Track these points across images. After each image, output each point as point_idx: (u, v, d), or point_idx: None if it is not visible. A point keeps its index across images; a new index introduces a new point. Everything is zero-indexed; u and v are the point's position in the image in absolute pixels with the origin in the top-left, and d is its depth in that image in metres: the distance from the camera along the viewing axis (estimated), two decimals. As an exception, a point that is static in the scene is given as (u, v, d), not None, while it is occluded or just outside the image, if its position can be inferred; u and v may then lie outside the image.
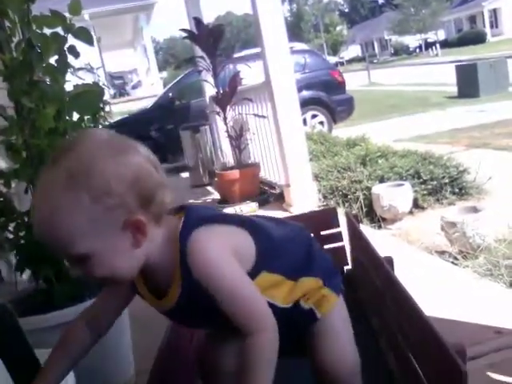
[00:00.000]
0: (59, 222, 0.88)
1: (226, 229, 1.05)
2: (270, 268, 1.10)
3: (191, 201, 5.91)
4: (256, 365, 0.92)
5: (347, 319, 1.21)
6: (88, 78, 5.21)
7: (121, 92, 17.97)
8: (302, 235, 1.26)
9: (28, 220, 2.16)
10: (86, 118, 4.61)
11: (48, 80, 1.96)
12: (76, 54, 2.03)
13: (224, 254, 0.99)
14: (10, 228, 2.18)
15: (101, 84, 4.96)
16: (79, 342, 1.09)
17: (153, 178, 0.94)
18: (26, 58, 1.76)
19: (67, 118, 2.28)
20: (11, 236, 2.15)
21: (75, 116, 2.62)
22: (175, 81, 9.54)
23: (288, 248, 1.16)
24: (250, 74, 5.72)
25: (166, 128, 8.49)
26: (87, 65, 5.28)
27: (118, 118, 8.77)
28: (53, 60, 2.06)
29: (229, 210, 4.87)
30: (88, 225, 0.88)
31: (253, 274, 1.06)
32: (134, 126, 8.51)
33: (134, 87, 19.23)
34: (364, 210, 4.48)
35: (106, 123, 5.11)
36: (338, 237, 2.08)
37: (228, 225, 1.07)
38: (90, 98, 2.13)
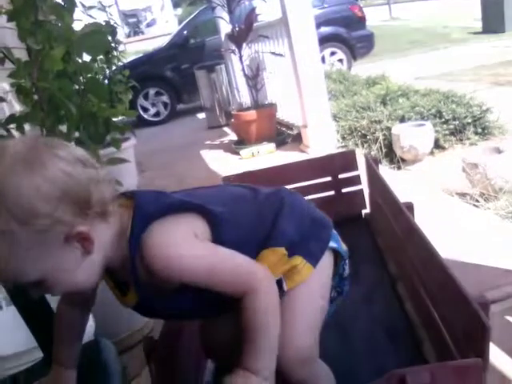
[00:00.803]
0: (5, 265, 0.80)
1: (180, 219, 0.93)
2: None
3: (208, 142, 5.87)
4: (263, 323, 0.88)
5: (318, 296, 1.05)
6: (100, 17, 5.08)
7: (135, 31, 17.59)
8: (270, 203, 1.09)
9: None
10: (98, 58, 4.52)
11: (54, 20, 1.88)
12: (83, -9, 1.94)
13: (185, 244, 0.90)
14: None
15: (113, 23, 4.84)
16: (72, 324, 1.07)
17: (82, 180, 0.84)
18: (30, -3, 1.68)
19: (77, 59, 2.21)
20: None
21: (87, 57, 2.54)
22: (189, 18, 9.27)
23: (247, 224, 1.03)
24: (266, 10, 5.51)
25: (181, 67, 8.33)
26: (99, 3, 5.13)
27: (133, 57, 8.61)
28: (59, -2, 1.97)
29: (246, 151, 4.82)
30: (27, 252, 0.80)
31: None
32: (149, 66, 8.38)
33: (148, 25, 18.80)
34: (383, 150, 4.38)
35: (120, 63, 5.02)
36: (356, 180, 2.02)
37: (182, 213, 0.94)
38: (99, 38, 2.04)
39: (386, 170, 3.74)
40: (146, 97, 8.31)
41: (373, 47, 9.35)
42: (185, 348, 1.27)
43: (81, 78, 2.36)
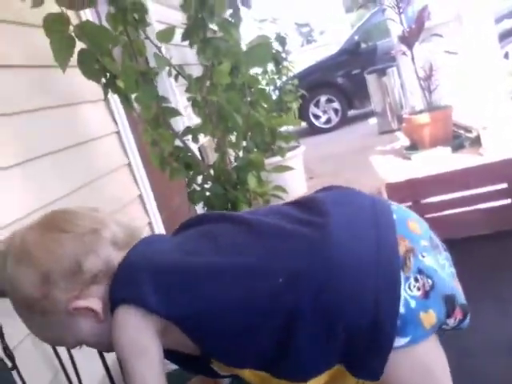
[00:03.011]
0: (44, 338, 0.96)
1: (146, 318, 0.83)
2: (218, 359, 0.86)
3: (379, 148, 5.73)
4: None
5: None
6: (272, 29, 5.28)
7: (308, 39, 17.96)
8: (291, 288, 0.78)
9: (214, 173, 2.28)
10: (269, 70, 4.70)
11: (222, 36, 1.99)
12: (248, 6, 2.03)
13: (136, 343, 0.82)
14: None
15: (283, 34, 5.00)
16: None
17: (66, 257, 0.85)
18: (198, 16, 1.80)
19: (246, 71, 2.31)
20: (198, 188, 2.29)
21: (258, 70, 2.62)
22: (360, 23, 9.18)
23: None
24: (438, 7, 5.23)
25: (352, 73, 8.28)
26: (271, 16, 5.34)
27: (305, 66, 8.77)
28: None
29: (419, 156, 4.61)
30: (49, 328, 0.90)
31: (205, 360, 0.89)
32: (320, 74, 8.46)
33: (321, 33, 19.08)
34: None
35: (290, 73, 5.18)
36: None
37: (149, 313, 0.83)
38: (264, 51, 2.12)
39: None
40: (317, 104, 8.41)
41: None
42: None
43: (250, 89, 2.47)
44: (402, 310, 0.77)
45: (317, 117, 8.49)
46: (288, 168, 2.41)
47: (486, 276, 1.66)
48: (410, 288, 0.79)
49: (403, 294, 0.78)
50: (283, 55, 4.85)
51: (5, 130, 1.75)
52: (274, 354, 0.80)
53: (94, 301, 0.87)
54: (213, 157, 2.60)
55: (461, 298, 0.87)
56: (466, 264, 1.83)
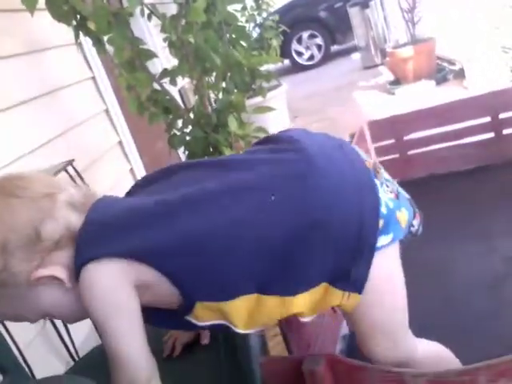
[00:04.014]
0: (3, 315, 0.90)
1: (120, 265, 0.79)
2: (204, 299, 0.81)
3: (363, 83, 5.66)
4: None
5: (392, 301, 0.88)
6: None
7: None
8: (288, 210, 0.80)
9: (194, 117, 2.23)
10: (249, 6, 4.53)
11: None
12: None
13: (111, 299, 0.79)
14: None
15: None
16: None
17: (22, 224, 0.79)
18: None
19: (221, 9, 2.22)
20: (178, 132, 2.24)
21: (238, 7, 2.53)
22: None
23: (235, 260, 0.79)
24: None
25: (334, 6, 8.05)
26: None
27: (287, 1, 8.51)
28: None
29: (402, 91, 4.57)
30: (12, 302, 0.83)
31: (187, 306, 0.82)
32: (301, 9, 8.22)
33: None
34: None
35: (270, 9, 5.01)
36: (521, 120, 1.80)
37: (122, 258, 0.79)
38: (239, -15, 2.02)
39: None
40: (299, 41, 8.22)
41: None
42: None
43: (228, 27, 2.38)
44: (384, 210, 0.83)
45: (299, 53, 8.31)
46: (270, 108, 2.36)
47: (468, 211, 1.67)
48: (385, 191, 0.86)
49: (382, 196, 0.84)
50: (262, -10, 4.67)
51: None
52: (266, 268, 0.79)
53: (57, 268, 0.80)
54: (194, 100, 2.54)
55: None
56: (448, 200, 1.84)
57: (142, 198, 0.89)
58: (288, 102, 4.71)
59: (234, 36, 2.42)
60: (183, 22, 1.99)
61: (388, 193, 0.86)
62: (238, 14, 4.42)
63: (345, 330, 1.34)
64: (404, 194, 0.93)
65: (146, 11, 1.97)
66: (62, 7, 1.70)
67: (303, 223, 0.79)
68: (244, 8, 4.32)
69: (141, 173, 2.80)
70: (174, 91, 3.12)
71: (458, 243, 1.51)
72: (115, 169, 2.59)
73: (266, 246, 0.79)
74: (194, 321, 0.85)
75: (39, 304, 0.84)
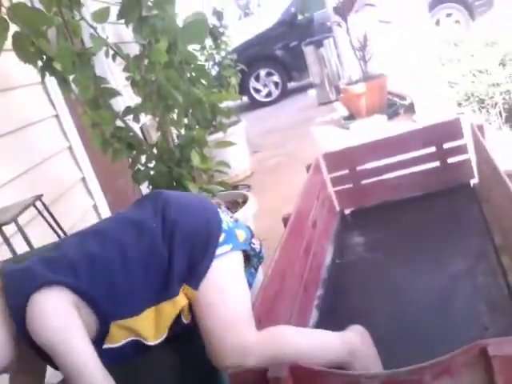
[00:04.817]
0: None
1: (59, 294, 0.92)
2: (117, 317, 0.96)
3: (319, 119, 5.85)
4: None
5: (229, 294, 1.05)
6: (209, 3, 5.22)
7: (245, 12, 17.83)
8: (158, 236, 1.03)
9: (157, 152, 2.30)
10: (208, 45, 4.66)
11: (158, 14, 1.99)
12: (181, -16, 2.03)
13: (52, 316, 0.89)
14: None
15: (219, 8, 4.97)
16: None
17: None
18: (132, -5, 1.80)
19: (181, 49, 2.31)
20: (142, 168, 2.30)
21: (197, 46, 2.61)
22: (296, -6, 9.21)
23: (131, 277, 0.98)
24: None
25: (290, 45, 8.33)
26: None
27: (244, 40, 8.75)
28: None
29: (356, 125, 4.76)
30: None
31: (103, 329, 0.95)
32: (259, 47, 8.47)
33: (258, 5, 18.99)
34: (503, 116, 4.10)
35: (229, 48, 5.17)
36: (462, 149, 1.94)
37: (54, 286, 0.92)
38: (200, 27, 2.13)
39: (505, 136, 3.51)
40: (257, 78, 8.44)
41: (493, 4, 8.66)
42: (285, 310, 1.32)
43: (188, 66, 2.47)
44: (225, 226, 1.08)
45: (257, 90, 8.52)
46: (230, 143, 2.45)
47: (418, 234, 1.78)
48: (225, 215, 1.13)
49: (223, 217, 1.11)
50: (220, 30, 4.84)
51: None
52: (157, 275, 0.99)
53: None
54: (155, 135, 2.62)
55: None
56: (401, 224, 1.95)
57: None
58: (248, 137, 4.84)
59: (194, 74, 2.52)
60: (146, 61, 2.08)
61: (228, 217, 1.13)
62: (198, 53, 4.56)
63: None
64: (243, 223, 1.18)
65: (111, 51, 2.04)
66: (29, 49, 1.76)
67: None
68: (203, 47, 4.46)
69: (104, 209, 2.83)
70: (136, 128, 3.19)
71: (410, 263, 1.62)
72: (79, 205, 2.62)
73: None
74: (109, 345, 0.96)
75: None
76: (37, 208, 1.59)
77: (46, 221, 1.75)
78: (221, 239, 1.05)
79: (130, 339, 0.97)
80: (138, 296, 0.97)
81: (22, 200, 1.59)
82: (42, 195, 1.62)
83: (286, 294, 1.36)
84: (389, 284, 1.55)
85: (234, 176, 4.35)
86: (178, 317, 1.02)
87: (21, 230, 1.36)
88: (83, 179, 2.72)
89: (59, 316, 0.88)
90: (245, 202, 2.34)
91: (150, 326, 0.97)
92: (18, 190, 1.92)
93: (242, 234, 1.11)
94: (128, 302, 0.96)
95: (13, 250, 1.48)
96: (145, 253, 1.00)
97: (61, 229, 1.89)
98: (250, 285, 1.14)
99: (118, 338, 0.96)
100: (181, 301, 1.00)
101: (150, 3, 1.95)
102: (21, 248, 1.55)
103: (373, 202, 2.11)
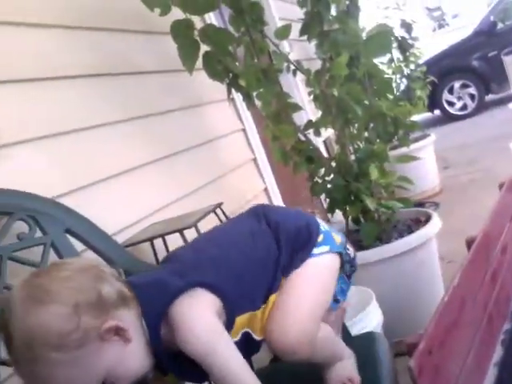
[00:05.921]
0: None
1: (205, 297, 0.94)
2: (239, 311, 0.99)
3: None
4: None
5: (319, 291, 1.07)
6: (397, 16, 5.13)
7: (440, 24, 17.10)
8: (268, 238, 1.08)
9: (335, 165, 2.29)
10: (396, 58, 4.57)
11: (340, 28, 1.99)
12: (365, -5, 2.01)
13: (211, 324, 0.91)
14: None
15: (410, 20, 4.83)
16: None
17: (85, 285, 0.89)
18: (314, 11, 1.82)
19: (364, 62, 2.28)
20: (320, 181, 2.31)
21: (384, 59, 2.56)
22: (496, 1, 8.54)
23: (251, 275, 1.03)
24: None
25: (488, 55, 7.74)
26: (395, 2, 5.18)
27: (437, 52, 8.37)
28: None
29: None
30: (75, 369, 0.86)
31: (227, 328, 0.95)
32: (453, 59, 8.04)
33: (453, 16, 18.07)
34: None
35: (419, 61, 4.98)
36: None
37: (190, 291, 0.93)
38: (382, 40, 2.08)
39: None
40: (450, 91, 8.00)
41: None
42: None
43: (371, 79, 2.43)
44: (322, 228, 1.11)
45: (451, 104, 8.08)
46: (413, 158, 2.34)
47: None
48: (321, 221, 1.16)
49: (320, 222, 1.14)
50: (410, 42, 4.67)
51: (139, 131, 1.92)
52: (274, 274, 1.04)
53: (122, 323, 0.90)
54: (336, 149, 2.62)
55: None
56: None
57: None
58: (438, 153, 4.60)
59: (378, 88, 2.46)
60: (327, 76, 2.09)
61: (323, 223, 1.16)
62: (385, 66, 4.47)
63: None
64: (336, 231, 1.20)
65: (292, 67, 2.09)
66: (217, 67, 1.89)
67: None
68: (391, 60, 4.36)
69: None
70: (318, 142, 3.22)
71: None
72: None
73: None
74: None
75: (100, 364, 0.89)
76: (217, 214, 1.68)
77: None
78: (319, 239, 1.09)
79: (244, 330, 0.99)
80: (260, 292, 1.02)
81: (205, 207, 1.69)
82: (222, 203, 1.70)
83: (464, 325, 1.23)
84: None
85: (421, 192, 4.15)
86: None
87: (199, 234, 1.45)
88: (265, 189, 2.83)
89: (210, 324, 0.90)
90: (427, 220, 2.21)
91: (258, 320, 1.01)
92: (203, 198, 2.06)
93: (338, 238, 1.14)
94: (252, 297, 1.01)
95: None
96: (263, 252, 1.05)
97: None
98: (343, 291, 1.16)
99: (235, 330, 0.98)
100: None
101: (331, 17, 1.96)
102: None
103: None
